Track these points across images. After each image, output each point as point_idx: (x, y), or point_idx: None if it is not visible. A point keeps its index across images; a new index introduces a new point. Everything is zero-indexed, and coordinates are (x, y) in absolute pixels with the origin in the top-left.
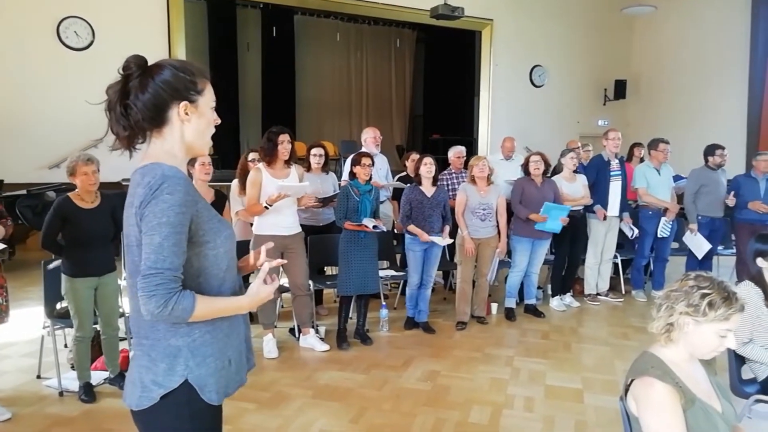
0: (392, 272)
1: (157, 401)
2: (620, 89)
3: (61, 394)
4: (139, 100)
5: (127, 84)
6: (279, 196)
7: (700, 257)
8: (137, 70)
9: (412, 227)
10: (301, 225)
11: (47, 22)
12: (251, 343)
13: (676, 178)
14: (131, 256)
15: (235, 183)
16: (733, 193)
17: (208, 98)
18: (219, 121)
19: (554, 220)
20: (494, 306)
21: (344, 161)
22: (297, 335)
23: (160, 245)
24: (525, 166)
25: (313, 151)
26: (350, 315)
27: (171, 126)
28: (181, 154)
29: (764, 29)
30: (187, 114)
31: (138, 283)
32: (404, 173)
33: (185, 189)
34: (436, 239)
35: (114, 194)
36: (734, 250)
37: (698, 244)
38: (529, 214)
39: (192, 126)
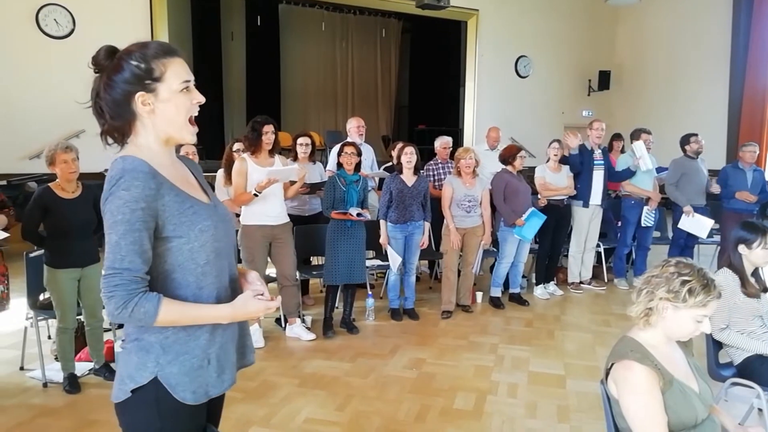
0: (379, 262)
1: (129, 395)
2: (604, 80)
3: (45, 385)
4: (104, 100)
5: (99, 81)
6: (269, 182)
7: (705, 236)
8: (105, 63)
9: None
10: (288, 215)
11: (26, 9)
12: (249, 339)
13: (659, 169)
14: None
15: (220, 173)
16: (715, 179)
17: (171, 81)
18: (202, 100)
19: (530, 227)
20: (479, 294)
21: (330, 151)
22: (283, 325)
23: (117, 244)
24: (506, 157)
25: (300, 140)
26: (336, 304)
27: (141, 119)
28: (157, 145)
29: (745, 20)
30: (147, 105)
31: (100, 283)
32: (390, 163)
33: (144, 183)
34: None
35: (96, 184)
36: (714, 239)
37: (699, 224)
38: (516, 219)
39: (158, 115)
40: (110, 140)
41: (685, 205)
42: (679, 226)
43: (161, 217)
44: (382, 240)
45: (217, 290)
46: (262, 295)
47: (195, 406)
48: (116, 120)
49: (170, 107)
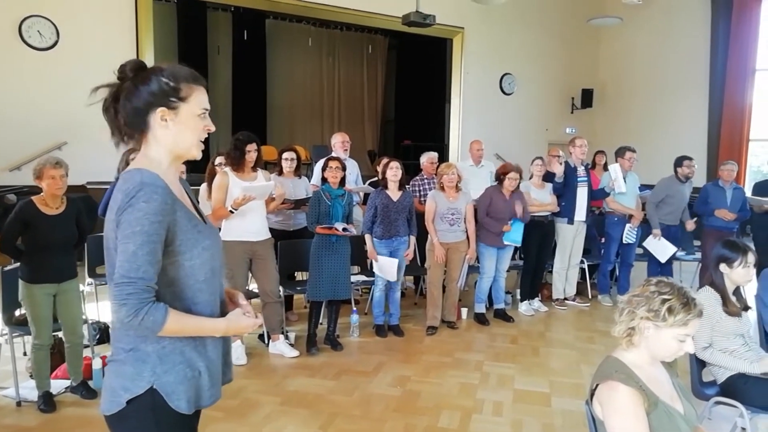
0: (363, 277)
1: (124, 406)
2: (587, 98)
3: (18, 404)
4: (124, 107)
5: (120, 88)
6: (244, 199)
7: (663, 261)
8: (130, 75)
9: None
10: (272, 229)
11: (9, 20)
12: (230, 357)
13: (641, 188)
14: (110, 259)
15: (203, 187)
16: (695, 219)
17: (193, 105)
18: (213, 129)
19: (516, 231)
20: (464, 311)
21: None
22: (266, 341)
23: (134, 254)
24: (498, 174)
25: (285, 155)
26: (320, 320)
27: (153, 132)
28: (166, 161)
29: (723, 41)
30: (165, 120)
31: (111, 291)
32: (376, 178)
33: (162, 198)
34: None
35: (79, 198)
36: (695, 256)
37: (662, 248)
38: (500, 228)
39: (170, 132)
40: (116, 140)
41: (656, 228)
42: (644, 244)
43: (171, 231)
44: (370, 253)
45: (210, 307)
46: (249, 313)
47: (188, 416)
48: (128, 127)
49: (186, 128)
